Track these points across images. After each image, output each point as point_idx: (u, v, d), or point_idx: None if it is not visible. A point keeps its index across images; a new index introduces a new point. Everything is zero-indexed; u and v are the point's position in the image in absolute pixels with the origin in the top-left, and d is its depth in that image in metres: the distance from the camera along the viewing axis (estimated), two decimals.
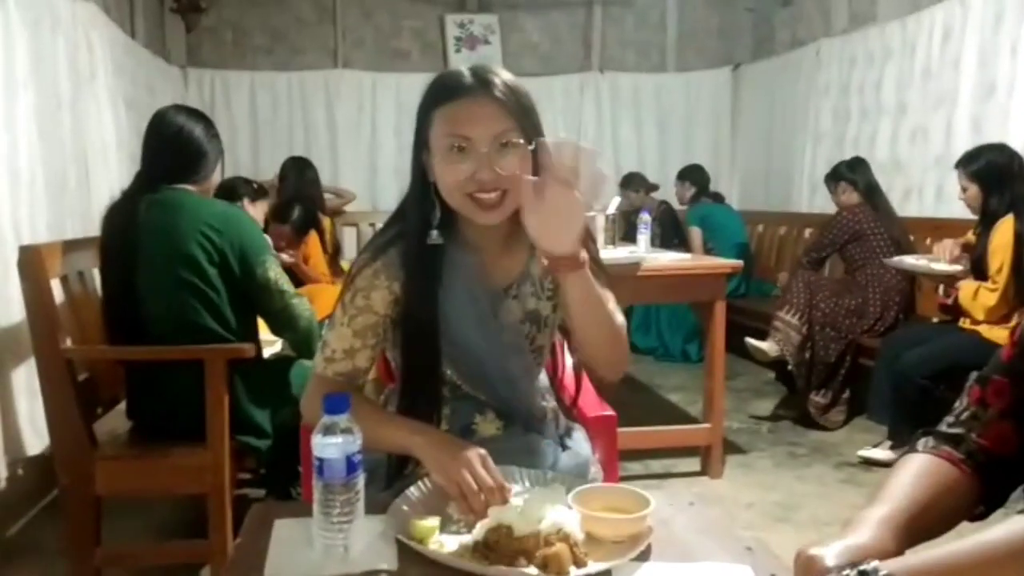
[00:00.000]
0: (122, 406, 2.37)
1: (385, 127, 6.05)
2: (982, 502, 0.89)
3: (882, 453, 3.20)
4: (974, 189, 3.14)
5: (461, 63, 1.29)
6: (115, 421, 2.34)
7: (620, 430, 3.03)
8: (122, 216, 2.25)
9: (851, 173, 3.96)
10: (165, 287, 2.18)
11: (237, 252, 2.21)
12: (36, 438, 2.65)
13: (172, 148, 2.29)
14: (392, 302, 1.30)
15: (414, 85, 1.35)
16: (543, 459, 1.32)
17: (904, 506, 0.82)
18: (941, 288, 3.30)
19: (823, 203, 5.03)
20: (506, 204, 1.23)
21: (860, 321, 3.74)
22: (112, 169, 3.76)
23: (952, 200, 3.54)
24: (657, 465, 3.26)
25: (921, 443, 0.92)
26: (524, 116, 1.24)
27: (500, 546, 0.97)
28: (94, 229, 2.83)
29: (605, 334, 1.30)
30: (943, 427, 0.93)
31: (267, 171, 5.26)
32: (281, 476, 2.45)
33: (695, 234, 5.19)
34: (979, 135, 3.70)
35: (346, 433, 0.97)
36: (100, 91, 3.71)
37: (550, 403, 1.47)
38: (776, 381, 4.31)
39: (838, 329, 3.73)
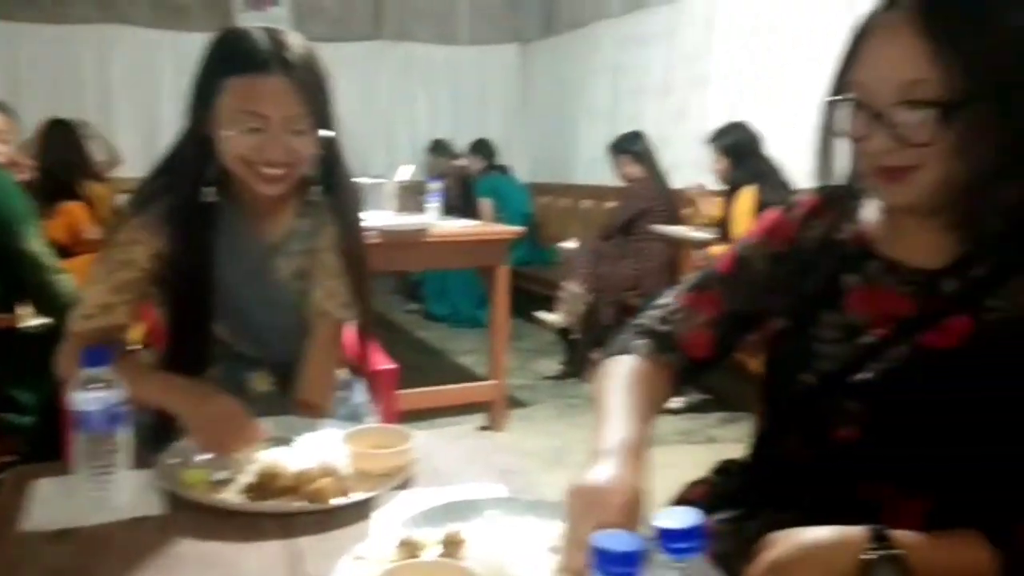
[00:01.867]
0: None
1: (165, 88, 5.69)
2: (671, 395, 1.01)
3: None
4: (724, 162, 3.54)
5: (247, 24, 1.29)
6: None
7: (409, 391, 3.16)
8: None
9: (633, 146, 4.26)
10: None
11: None
12: None
13: None
14: (154, 256, 1.27)
15: (196, 45, 1.33)
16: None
17: (637, 425, 0.89)
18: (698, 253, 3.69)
19: (600, 176, 5.38)
20: (291, 178, 1.26)
21: (636, 287, 4.06)
22: None
23: (708, 173, 3.94)
24: (446, 423, 3.41)
25: (637, 344, 1.00)
26: (318, 98, 1.26)
27: (269, 486, 1.03)
28: None
29: None
30: (655, 324, 1.02)
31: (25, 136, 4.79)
32: (46, 454, 2.31)
33: (486, 204, 5.38)
34: (732, 114, 4.13)
35: (107, 386, 0.98)
36: None
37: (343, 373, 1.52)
38: (560, 340, 4.60)
39: (616, 294, 4.03)
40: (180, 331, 1.33)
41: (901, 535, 0.76)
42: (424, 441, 1.19)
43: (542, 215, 5.84)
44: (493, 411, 3.37)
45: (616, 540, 0.54)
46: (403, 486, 1.08)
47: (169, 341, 1.34)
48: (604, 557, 0.53)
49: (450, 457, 1.21)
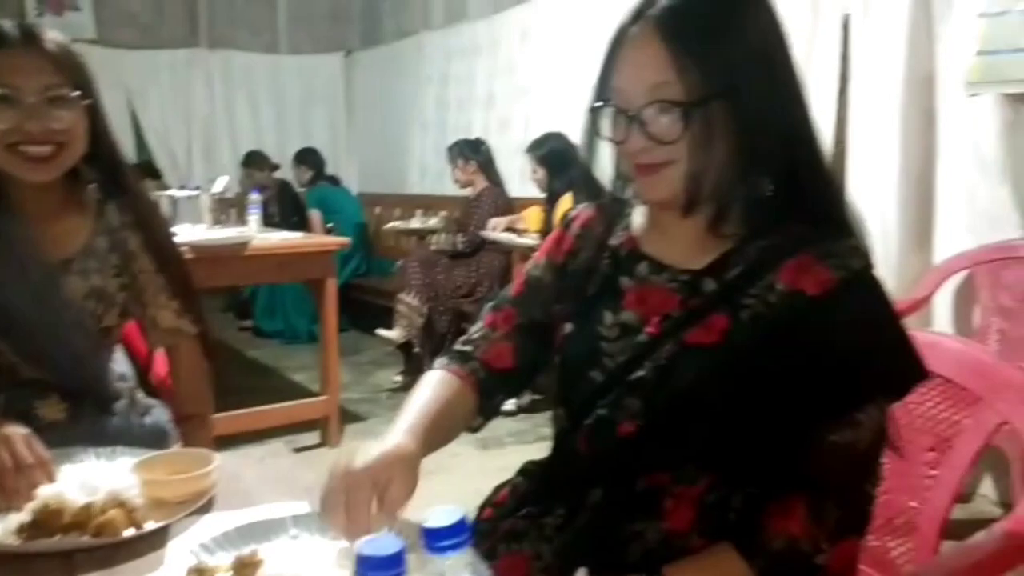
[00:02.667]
0: None
1: None
2: (480, 414, 1.05)
3: None
4: (542, 172, 3.65)
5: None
6: None
7: (237, 412, 3.05)
8: None
9: (475, 153, 4.29)
10: None
11: None
12: None
13: None
14: None
15: None
16: (114, 441, 1.30)
17: (423, 414, 0.94)
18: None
19: (432, 186, 5.42)
20: (60, 160, 1.20)
21: (471, 294, 4.09)
22: None
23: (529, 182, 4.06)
24: (278, 443, 3.29)
25: (439, 361, 1.07)
26: (76, 72, 1.22)
27: (50, 522, 0.96)
28: None
29: None
30: (458, 346, 1.08)
31: None
32: None
33: (315, 216, 5.26)
34: (552, 125, 4.27)
35: None
36: None
37: (127, 383, 1.45)
38: (398, 351, 4.57)
39: (451, 302, 4.04)
40: None
41: (670, 571, 0.82)
42: (230, 463, 1.15)
43: (376, 226, 5.79)
44: (327, 427, 3.30)
45: (378, 545, 0.55)
46: (203, 511, 1.04)
47: None
48: (367, 563, 0.54)
49: (257, 477, 1.18)
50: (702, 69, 0.80)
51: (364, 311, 4.83)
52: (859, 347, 0.82)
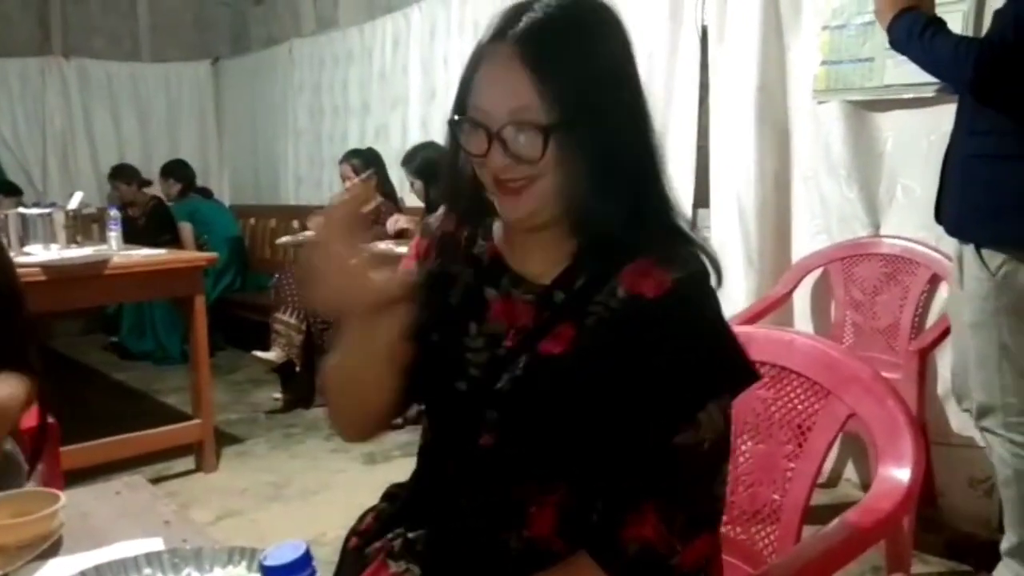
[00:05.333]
0: None
1: None
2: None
3: None
4: (418, 183, 3.63)
5: None
6: None
7: (103, 440, 2.88)
8: None
9: (370, 165, 4.05)
10: None
11: None
12: None
13: None
14: None
15: None
16: None
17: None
18: None
19: (308, 195, 5.30)
20: None
21: None
22: None
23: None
24: (150, 471, 3.13)
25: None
26: None
27: None
28: None
29: None
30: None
31: None
32: None
33: (186, 229, 5.04)
34: (428, 133, 4.25)
35: None
36: None
37: None
38: (275, 371, 4.43)
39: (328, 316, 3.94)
40: None
41: None
42: (81, 499, 1.08)
43: (250, 238, 5.60)
44: (203, 451, 3.16)
45: (281, 554, 0.53)
46: (48, 555, 0.97)
47: None
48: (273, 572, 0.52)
49: (111, 513, 1.11)
50: (562, 93, 0.81)
51: (240, 328, 4.66)
52: (694, 347, 0.84)
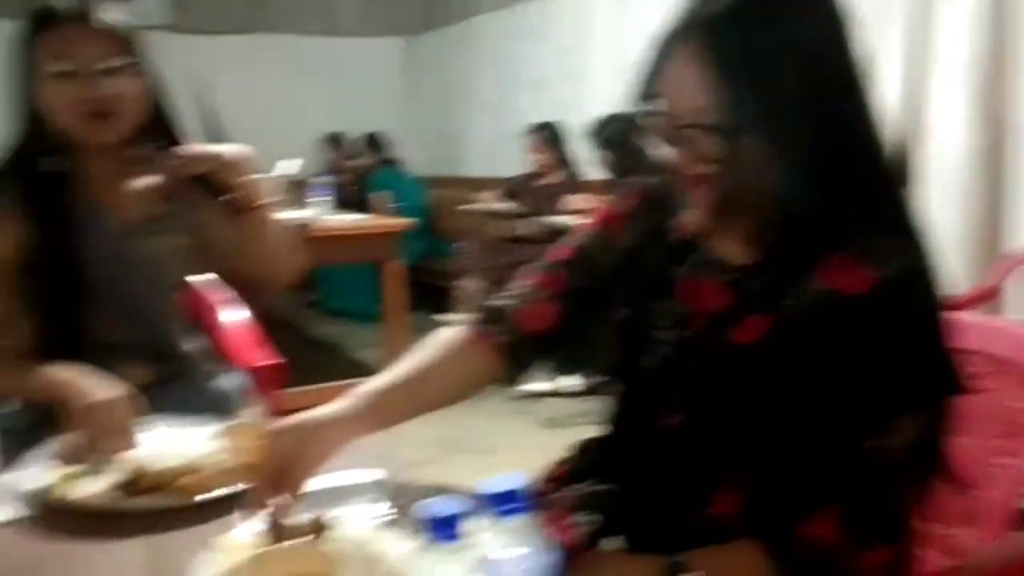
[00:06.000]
0: None
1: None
2: (505, 377, 1.03)
3: (539, 386, 3.61)
4: (606, 155, 3.65)
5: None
6: None
7: (301, 388, 3.13)
8: None
9: (557, 138, 4.14)
10: None
11: None
12: None
13: None
14: (14, 245, 1.28)
15: None
16: (191, 405, 1.36)
17: (393, 381, 0.95)
18: None
19: (491, 168, 5.44)
20: (114, 123, 1.29)
21: None
22: None
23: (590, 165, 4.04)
24: None
25: (461, 319, 1.05)
26: (127, 44, 1.30)
27: (135, 484, 1.03)
28: None
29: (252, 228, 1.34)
30: (493, 302, 1.05)
31: None
32: None
33: (383, 198, 5.33)
34: (615, 106, 4.24)
35: None
36: None
37: (196, 346, 1.52)
38: None
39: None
40: (47, 320, 1.31)
41: (693, 560, 0.81)
42: None
43: (436, 208, 5.85)
44: None
45: (441, 506, 0.58)
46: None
47: (37, 331, 1.30)
48: (433, 523, 0.57)
49: None
50: (749, 93, 0.78)
51: (427, 293, 4.90)
52: (894, 354, 0.79)
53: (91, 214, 1.33)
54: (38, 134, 1.30)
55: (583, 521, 0.96)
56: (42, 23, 1.28)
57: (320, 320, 5.36)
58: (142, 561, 0.90)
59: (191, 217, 1.42)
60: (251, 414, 1.47)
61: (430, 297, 4.82)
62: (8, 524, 0.97)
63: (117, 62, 1.28)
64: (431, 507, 0.58)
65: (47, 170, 1.30)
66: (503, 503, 0.60)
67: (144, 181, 1.36)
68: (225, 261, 1.42)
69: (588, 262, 1.03)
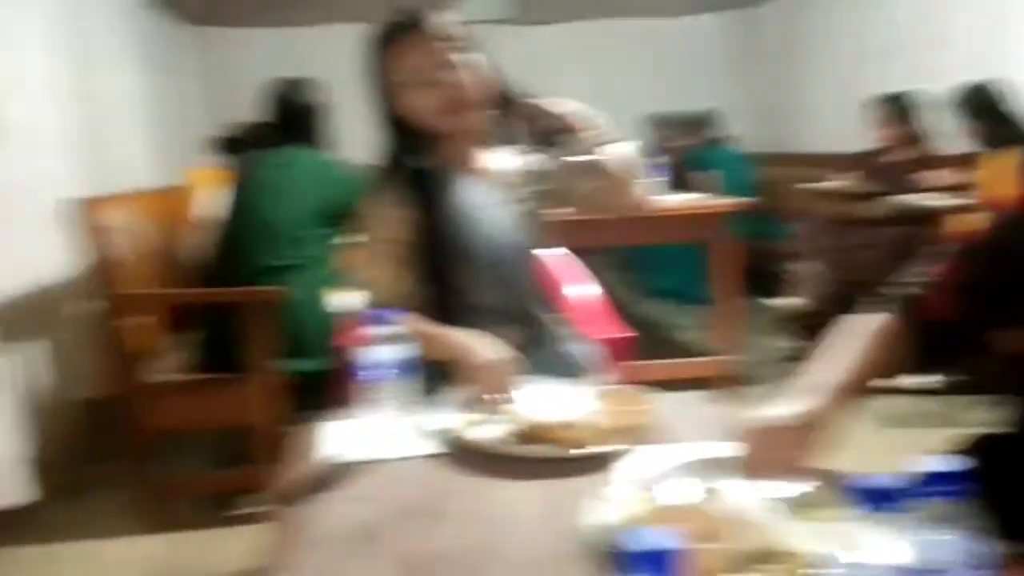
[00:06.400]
0: (187, 342, 2.56)
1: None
2: (911, 367, 1.01)
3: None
4: (975, 125, 3.26)
5: (461, 10, 1.51)
6: (177, 359, 2.52)
7: (634, 363, 3.22)
8: (250, 167, 2.60)
9: (907, 111, 3.80)
10: (271, 223, 2.48)
11: (336, 191, 2.52)
12: (91, 382, 2.87)
13: (290, 118, 2.61)
14: (402, 227, 1.47)
15: None
16: (549, 368, 1.48)
17: (848, 372, 0.94)
18: None
19: (830, 142, 5.11)
20: (464, 109, 1.45)
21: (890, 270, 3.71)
22: (134, 131, 3.89)
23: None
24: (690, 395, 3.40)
25: (872, 304, 1.03)
26: (460, 39, 1.46)
27: (524, 434, 1.15)
28: (119, 187, 3.00)
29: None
30: (902, 289, 1.02)
31: None
32: (325, 403, 2.65)
33: (707, 178, 5.28)
34: (983, 71, 3.77)
35: (391, 340, 1.14)
36: (123, 56, 3.84)
37: (553, 314, 1.64)
38: (789, 320, 4.41)
39: (868, 276, 3.70)
40: (437, 289, 1.50)
41: None
42: (662, 404, 1.25)
43: (768, 187, 5.63)
44: (717, 387, 3.34)
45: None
46: (643, 442, 1.16)
47: (429, 300, 1.49)
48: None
49: (694, 418, 1.28)
50: None
51: (756, 275, 4.75)
52: None
53: (460, 193, 1.51)
54: (403, 134, 1.49)
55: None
56: (386, 39, 1.46)
57: (639, 300, 5.45)
58: (536, 500, 1.01)
59: (545, 185, 1.55)
60: (606, 382, 1.56)
61: (758, 280, 4.67)
62: (424, 457, 1.14)
63: (455, 60, 1.43)
64: (869, 479, 0.58)
65: (417, 164, 1.49)
66: (948, 483, 0.58)
67: (500, 155, 1.55)
68: (581, 208, 1.55)
69: (1007, 248, 0.96)
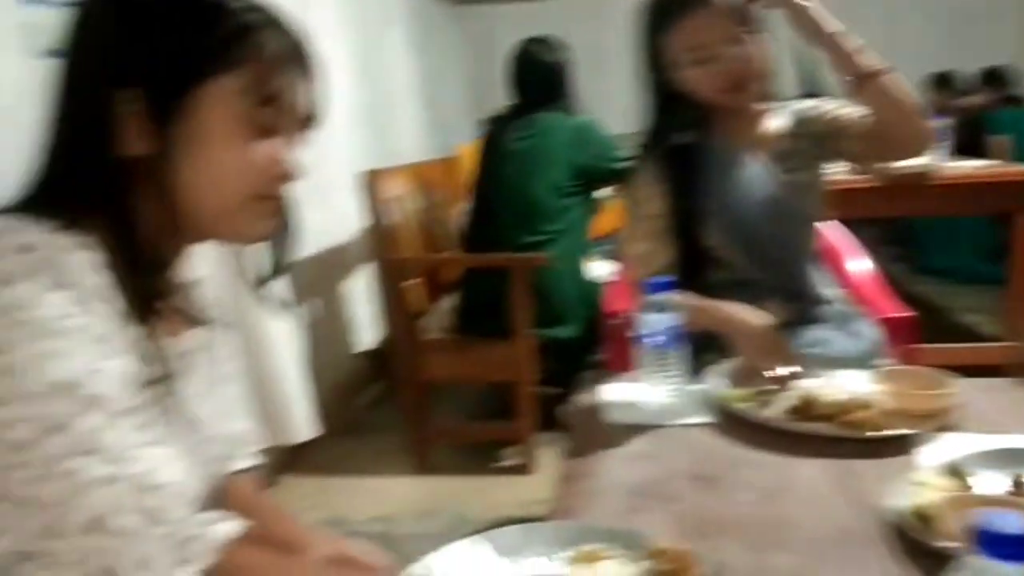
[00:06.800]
0: (446, 305, 2.75)
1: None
2: None
3: None
4: None
5: None
6: (440, 319, 2.72)
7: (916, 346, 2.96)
8: (498, 135, 2.66)
9: None
10: (522, 192, 2.55)
11: (594, 155, 2.54)
12: (368, 336, 3.17)
13: (545, 79, 2.63)
14: (665, 201, 1.45)
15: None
16: (829, 346, 1.40)
17: None
18: None
19: None
20: (747, 87, 1.39)
21: None
22: (407, 107, 4.18)
23: None
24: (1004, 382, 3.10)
25: None
26: (743, 13, 1.37)
27: (807, 411, 1.10)
28: (396, 160, 3.23)
29: (876, 96, 1.34)
30: None
31: None
32: (579, 368, 2.72)
33: (1001, 142, 4.68)
34: None
35: (668, 309, 1.14)
36: (397, 37, 4.12)
37: (830, 290, 1.55)
38: None
39: None
40: (686, 266, 1.46)
41: None
42: (964, 387, 1.14)
43: None
44: (1017, 375, 2.97)
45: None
46: (946, 428, 1.06)
47: (685, 273, 1.44)
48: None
49: (993, 404, 1.15)
50: None
51: None
52: None
53: (732, 167, 1.45)
54: (676, 107, 1.45)
55: None
56: (666, 11, 1.40)
57: (914, 278, 4.99)
58: (830, 477, 0.96)
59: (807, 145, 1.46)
60: (891, 363, 1.45)
61: None
62: (700, 426, 1.13)
63: (740, 35, 1.36)
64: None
65: (688, 139, 1.45)
66: None
67: (773, 121, 1.47)
68: (863, 143, 1.42)
69: None
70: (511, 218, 2.58)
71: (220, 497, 0.91)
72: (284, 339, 2.32)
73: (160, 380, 0.75)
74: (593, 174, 2.60)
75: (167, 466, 0.63)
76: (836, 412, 1.08)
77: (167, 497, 0.62)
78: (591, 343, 2.60)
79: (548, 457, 2.62)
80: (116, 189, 0.73)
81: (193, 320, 0.83)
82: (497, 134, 2.68)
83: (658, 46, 1.42)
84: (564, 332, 2.56)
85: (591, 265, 2.87)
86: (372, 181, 2.53)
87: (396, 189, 2.70)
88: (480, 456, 2.66)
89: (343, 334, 3.10)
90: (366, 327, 3.18)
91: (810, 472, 0.98)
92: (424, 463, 2.60)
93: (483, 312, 2.59)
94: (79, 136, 0.73)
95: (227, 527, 0.62)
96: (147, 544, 0.59)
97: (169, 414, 0.78)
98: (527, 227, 2.56)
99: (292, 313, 2.31)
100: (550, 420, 2.75)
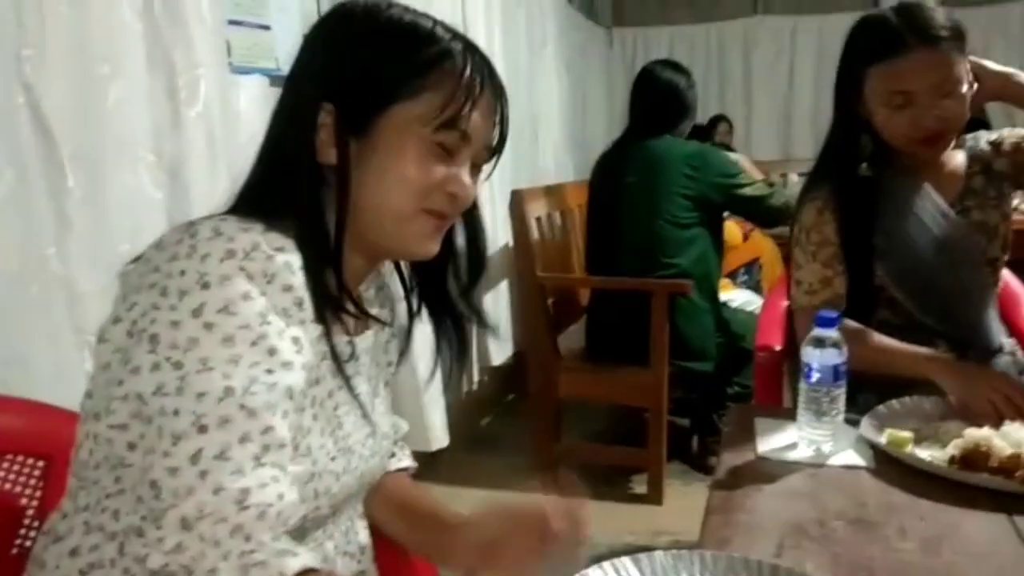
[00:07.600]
0: (581, 325, 2.76)
1: (803, 74, 5.83)
2: None
3: None
4: None
5: (888, 4, 1.38)
6: (574, 339, 2.74)
7: None
8: (612, 163, 2.63)
9: None
10: (641, 226, 2.50)
11: (712, 184, 2.47)
12: (500, 351, 3.21)
13: (658, 101, 2.59)
14: (838, 231, 1.40)
15: (837, 28, 1.50)
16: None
17: None
18: None
19: None
20: (944, 139, 1.33)
21: None
22: (554, 128, 4.22)
23: None
24: None
25: None
26: (958, 60, 1.28)
27: (975, 461, 1.04)
28: (542, 180, 3.26)
29: None
30: None
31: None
32: (712, 400, 2.67)
33: None
34: None
35: (835, 346, 1.10)
36: (548, 58, 4.18)
37: (1004, 339, 1.46)
38: None
39: None
40: (860, 299, 1.41)
41: None
42: None
43: None
44: None
45: None
46: None
47: (852, 309, 1.40)
48: None
49: None
50: None
51: None
52: None
53: (905, 202, 1.39)
54: (856, 141, 1.40)
55: None
56: (879, 48, 1.31)
57: None
58: (1003, 534, 0.91)
59: (994, 190, 1.40)
60: None
61: None
62: (856, 468, 1.09)
63: (952, 90, 1.28)
64: None
65: (872, 173, 1.41)
66: None
67: (954, 159, 1.42)
68: None
69: None
70: (631, 255, 2.53)
71: (375, 493, 0.95)
72: (425, 347, 2.38)
73: (336, 378, 0.80)
74: (713, 203, 2.52)
75: (273, 487, 0.65)
76: (1012, 465, 1.02)
77: (260, 517, 0.63)
78: (726, 375, 2.56)
79: (674, 488, 2.58)
80: (315, 192, 0.78)
81: (371, 321, 0.87)
82: (610, 164, 2.64)
83: (862, 76, 1.35)
84: (697, 363, 2.52)
85: (728, 295, 2.82)
86: (518, 200, 2.59)
87: (539, 209, 2.74)
88: (604, 481, 2.64)
89: (476, 347, 3.16)
90: (499, 341, 3.23)
91: (975, 524, 0.93)
92: (552, 481, 2.59)
93: (608, 338, 2.58)
94: (286, 142, 0.79)
95: (300, 560, 0.63)
96: (224, 557, 0.61)
97: (340, 411, 0.82)
98: (649, 263, 2.49)
99: (493, 331, 2.32)
100: (679, 450, 2.72)
